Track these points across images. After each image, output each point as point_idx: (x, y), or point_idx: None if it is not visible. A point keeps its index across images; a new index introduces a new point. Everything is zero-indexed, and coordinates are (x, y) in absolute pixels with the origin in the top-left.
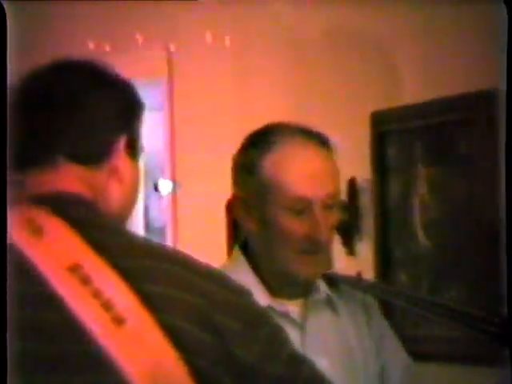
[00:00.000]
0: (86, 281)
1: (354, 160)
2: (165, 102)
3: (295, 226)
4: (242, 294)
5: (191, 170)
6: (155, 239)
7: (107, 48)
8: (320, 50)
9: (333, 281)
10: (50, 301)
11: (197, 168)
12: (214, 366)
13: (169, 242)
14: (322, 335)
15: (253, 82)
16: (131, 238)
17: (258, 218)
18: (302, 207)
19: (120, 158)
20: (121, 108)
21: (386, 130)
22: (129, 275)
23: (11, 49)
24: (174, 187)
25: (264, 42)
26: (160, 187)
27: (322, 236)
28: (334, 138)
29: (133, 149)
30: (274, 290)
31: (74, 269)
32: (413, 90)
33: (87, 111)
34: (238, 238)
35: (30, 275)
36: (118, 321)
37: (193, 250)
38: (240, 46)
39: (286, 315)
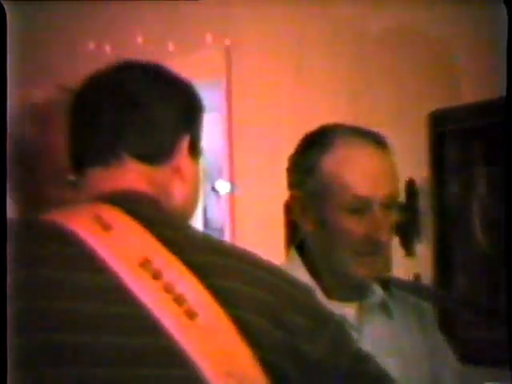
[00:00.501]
0: (157, 275)
1: (412, 161)
2: (223, 102)
3: (354, 226)
4: (307, 291)
5: (249, 171)
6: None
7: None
8: (379, 49)
9: (386, 284)
10: (122, 295)
11: (255, 168)
12: (284, 362)
13: (227, 240)
14: (377, 338)
15: (312, 82)
16: (198, 235)
17: (316, 218)
18: (361, 207)
19: (182, 158)
20: (183, 108)
21: (444, 130)
22: (199, 270)
23: (11, 49)
24: (231, 188)
25: (324, 41)
26: (218, 188)
27: (381, 236)
28: (393, 138)
29: (194, 149)
30: (330, 292)
31: (145, 264)
32: (472, 90)
33: (151, 111)
34: (294, 238)
35: (101, 270)
36: (191, 315)
37: (250, 248)
38: (299, 45)
39: (342, 318)
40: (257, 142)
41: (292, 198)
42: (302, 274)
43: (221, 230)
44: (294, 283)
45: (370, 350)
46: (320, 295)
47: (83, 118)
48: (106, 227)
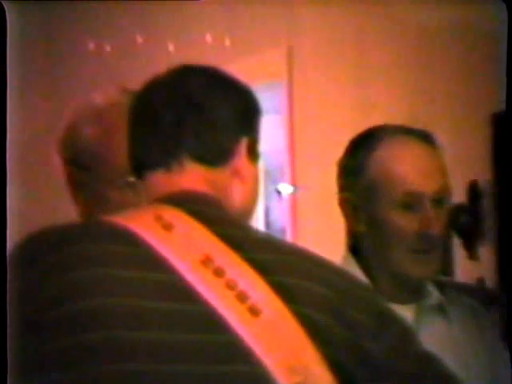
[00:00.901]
0: (219, 273)
1: (475, 162)
2: (285, 104)
3: (406, 223)
4: (370, 290)
5: (311, 172)
6: None
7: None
8: (441, 48)
9: (442, 285)
10: (185, 293)
11: (317, 170)
12: (348, 361)
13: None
14: (435, 341)
15: (373, 80)
16: (258, 233)
17: (367, 218)
18: (413, 203)
19: (241, 160)
20: (241, 111)
21: (508, 130)
22: (261, 268)
23: (11, 49)
24: (293, 190)
25: (384, 38)
26: (280, 190)
27: (434, 232)
28: (455, 138)
29: (253, 151)
30: (385, 294)
31: (207, 261)
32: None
33: (211, 114)
34: (348, 240)
35: (163, 269)
36: (254, 311)
37: (311, 250)
38: (359, 43)
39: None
40: (319, 143)
41: (342, 200)
42: (357, 274)
43: (283, 232)
44: (357, 282)
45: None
46: None
47: (143, 122)
48: (168, 227)
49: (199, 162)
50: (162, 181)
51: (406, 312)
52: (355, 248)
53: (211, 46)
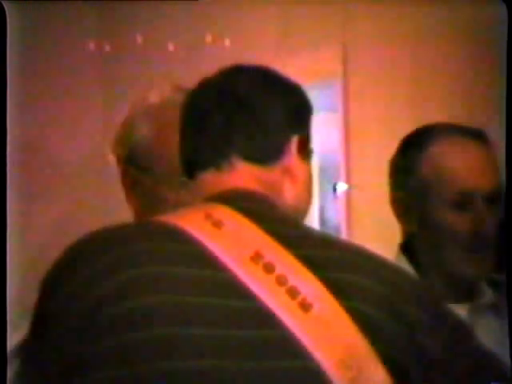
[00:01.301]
0: (269, 269)
1: None
2: (340, 102)
3: (459, 221)
4: (425, 286)
5: (366, 171)
6: None
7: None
8: (492, 46)
9: (496, 284)
10: (235, 289)
11: (372, 169)
12: (403, 356)
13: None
14: (490, 341)
15: (428, 81)
16: (309, 230)
17: (419, 217)
18: (465, 202)
19: (292, 158)
20: (292, 110)
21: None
22: (311, 263)
23: (11, 49)
24: (348, 188)
25: (440, 37)
26: (337, 188)
27: (487, 231)
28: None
29: (304, 149)
30: (439, 293)
31: (256, 258)
32: None
33: (260, 113)
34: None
35: (213, 266)
36: (305, 306)
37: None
38: (414, 41)
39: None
40: (374, 141)
41: (394, 199)
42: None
43: (337, 230)
44: (411, 279)
45: None
46: None
47: (194, 121)
48: (217, 224)
49: (249, 161)
50: (213, 180)
51: (459, 311)
52: (407, 247)
53: (211, 46)
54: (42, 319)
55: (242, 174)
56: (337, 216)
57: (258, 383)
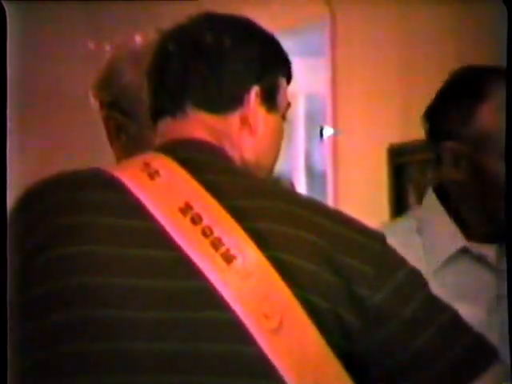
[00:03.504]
0: (196, 220)
1: None
2: (326, 47)
3: None
4: (375, 237)
5: (352, 116)
6: (316, 183)
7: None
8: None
9: None
10: (159, 239)
11: (358, 114)
12: (339, 308)
13: (330, 186)
14: None
15: (417, 29)
16: (256, 181)
17: (471, 167)
18: None
19: (251, 109)
20: (254, 59)
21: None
22: (241, 214)
23: (11, 49)
24: (335, 133)
25: None
26: (323, 133)
27: None
28: None
29: (270, 101)
30: (471, 234)
31: (186, 209)
32: None
33: (217, 61)
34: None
35: (142, 216)
36: (228, 258)
37: (352, 193)
38: None
39: (481, 257)
40: (361, 86)
41: (443, 147)
42: (440, 216)
43: (323, 176)
44: (359, 229)
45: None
46: (459, 236)
47: (157, 67)
48: (153, 175)
49: (203, 110)
50: (168, 128)
51: (488, 250)
52: (440, 190)
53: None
54: None
55: (195, 123)
56: (323, 160)
57: (179, 333)
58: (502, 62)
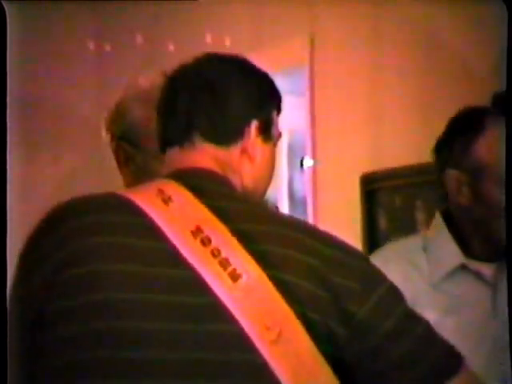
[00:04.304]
0: (205, 242)
1: None
2: (307, 88)
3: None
4: (359, 257)
5: (329, 149)
6: (298, 208)
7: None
8: (441, 48)
9: None
10: (173, 259)
11: (334, 147)
12: (329, 321)
13: (310, 209)
14: None
15: (385, 70)
16: (256, 207)
17: (471, 193)
18: None
19: (250, 141)
20: (253, 96)
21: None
22: (245, 237)
23: (11, 48)
24: (314, 163)
25: (395, 36)
26: (304, 163)
27: None
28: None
29: (265, 133)
30: (471, 253)
31: (196, 232)
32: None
33: (222, 98)
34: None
35: (157, 238)
36: (234, 277)
37: (329, 216)
38: (375, 39)
39: (478, 274)
40: (336, 121)
41: (447, 175)
42: (444, 236)
43: (304, 201)
44: (345, 250)
45: (504, 306)
46: (459, 253)
47: (166, 102)
48: (167, 200)
49: (209, 141)
50: (176, 157)
51: (487, 269)
52: (446, 214)
53: (211, 46)
54: (17, 272)
55: (201, 153)
56: (303, 187)
57: (190, 343)
58: (502, 62)
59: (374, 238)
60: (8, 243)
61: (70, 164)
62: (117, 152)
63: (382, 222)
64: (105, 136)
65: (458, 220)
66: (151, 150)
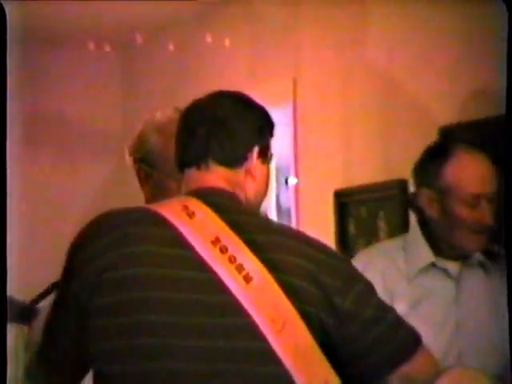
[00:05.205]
0: (223, 250)
1: None
2: (291, 120)
3: (469, 214)
4: (342, 259)
5: (309, 170)
6: (284, 217)
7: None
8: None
9: (494, 254)
10: (197, 264)
11: (314, 168)
12: (322, 313)
13: (293, 219)
14: (473, 289)
15: (353, 112)
16: (260, 219)
17: (440, 208)
18: (474, 201)
19: (253, 163)
20: (255, 127)
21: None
22: (255, 246)
23: (11, 49)
24: (297, 181)
25: (366, 77)
26: (288, 181)
27: (487, 222)
28: None
29: (264, 156)
30: (440, 253)
31: (216, 241)
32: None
33: (231, 129)
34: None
35: (183, 246)
36: (247, 279)
37: (309, 225)
38: (346, 81)
39: (445, 270)
40: (315, 147)
41: (422, 193)
42: (419, 239)
43: (288, 211)
44: (332, 254)
45: (467, 296)
46: (431, 254)
47: (184, 132)
48: (191, 214)
49: (221, 165)
50: (194, 177)
51: (452, 266)
52: (422, 223)
53: (211, 46)
54: (66, 273)
55: (215, 175)
56: (288, 201)
57: (211, 333)
58: (502, 62)
59: (344, 241)
60: (8, 243)
61: (91, 174)
62: (138, 172)
63: (351, 229)
64: (128, 159)
65: (430, 227)
66: (166, 170)
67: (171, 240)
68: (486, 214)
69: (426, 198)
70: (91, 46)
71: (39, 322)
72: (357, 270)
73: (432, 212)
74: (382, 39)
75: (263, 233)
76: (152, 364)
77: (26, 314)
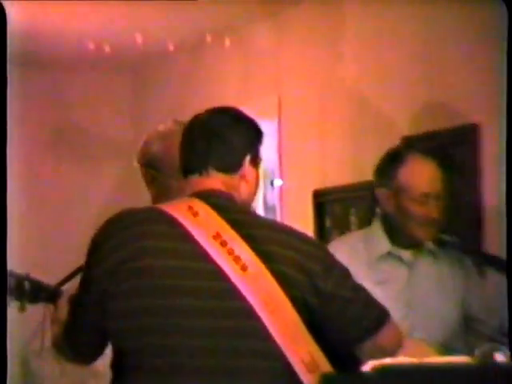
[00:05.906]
0: (223, 244)
1: None
2: (276, 131)
3: (418, 210)
4: (321, 248)
5: (292, 173)
6: (270, 213)
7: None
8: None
9: (443, 243)
10: (201, 256)
11: (295, 172)
12: (307, 296)
13: (278, 216)
14: (424, 273)
15: (330, 124)
16: (254, 216)
17: (395, 205)
18: (424, 199)
19: (246, 169)
20: (248, 138)
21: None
22: (250, 240)
23: (11, 48)
24: (281, 183)
25: (344, 95)
26: (273, 182)
27: (434, 216)
28: None
29: (255, 162)
30: (395, 242)
31: (216, 236)
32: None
33: (227, 140)
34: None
35: (189, 241)
36: (244, 268)
37: (292, 220)
38: (322, 102)
39: (399, 258)
40: (297, 156)
41: (380, 192)
42: (378, 231)
43: (273, 208)
44: (313, 244)
45: (418, 279)
46: (388, 243)
47: (187, 144)
48: (195, 214)
49: (219, 171)
50: (196, 182)
51: (406, 254)
52: (382, 218)
53: (211, 46)
54: (89, 262)
55: (214, 180)
56: (273, 200)
57: (213, 314)
58: (502, 62)
59: (322, 233)
60: (8, 243)
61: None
62: (145, 175)
63: (327, 223)
64: (136, 165)
65: (389, 222)
66: (168, 172)
67: (179, 236)
68: (433, 210)
69: (384, 195)
70: (91, 45)
71: (63, 302)
72: (334, 257)
73: (389, 208)
74: (355, 56)
75: (256, 228)
76: (162, 341)
77: (52, 295)
